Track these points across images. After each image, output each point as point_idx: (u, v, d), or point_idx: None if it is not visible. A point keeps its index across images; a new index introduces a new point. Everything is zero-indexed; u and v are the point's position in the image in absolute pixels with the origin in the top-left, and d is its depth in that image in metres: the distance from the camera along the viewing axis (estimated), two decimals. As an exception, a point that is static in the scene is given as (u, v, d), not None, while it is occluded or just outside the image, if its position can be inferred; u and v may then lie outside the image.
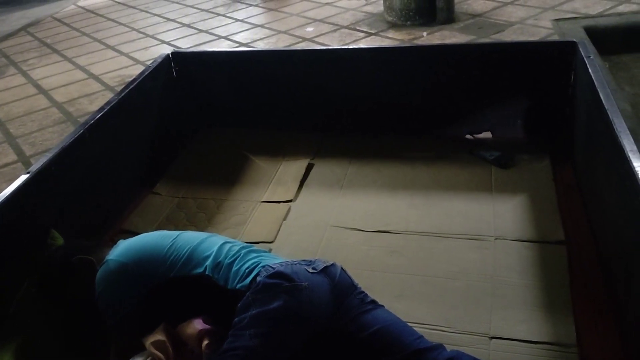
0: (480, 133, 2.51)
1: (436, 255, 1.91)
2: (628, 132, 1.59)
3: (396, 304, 1.69)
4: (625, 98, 3.15)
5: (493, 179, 2.23)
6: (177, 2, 6.40)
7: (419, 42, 4.51)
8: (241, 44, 4.74)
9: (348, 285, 1.56)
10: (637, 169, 1.42)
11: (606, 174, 1.72)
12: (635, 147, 1.51)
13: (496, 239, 1.93)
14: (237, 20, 5.43)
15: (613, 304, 1.59)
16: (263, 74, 2.68)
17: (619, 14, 4.33)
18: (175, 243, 1.56)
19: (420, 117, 2.58)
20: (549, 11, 4.63)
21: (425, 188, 2.25)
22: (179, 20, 5.68)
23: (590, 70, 1.93)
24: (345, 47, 3.65)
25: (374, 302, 1.55)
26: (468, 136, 2.52)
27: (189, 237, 1.60)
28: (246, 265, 1.51)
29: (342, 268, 1.59)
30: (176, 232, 1.63)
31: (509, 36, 4.35)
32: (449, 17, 4.81)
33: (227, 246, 1.58)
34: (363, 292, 1.58)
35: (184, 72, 2.69)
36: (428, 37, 4.60)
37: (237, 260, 1.53)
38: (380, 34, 4.78)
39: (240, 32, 5.03)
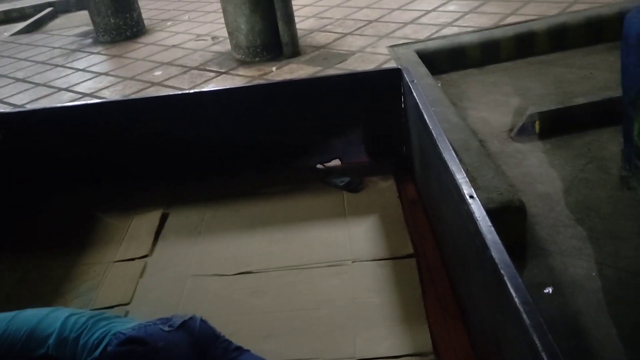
0: (329, 161, 2.61)
1: (299, 288, 1.93)
2: (450, 148, 1.74)
3: (264, 345, 1.69)
4: (456, 113, 3.46)
5: (345, 204, 2.32)
6: (8, 57, 5.97)
7: (269, 77, 4.62)
8: (84, 95, 4.52)
9: (209, 336, 1.53)
10: (459, 180, 1.55)
11: (439, 187, 1.86)
12: (457, 161, 1.66)
13: (353, 261, 2.00)
14: (77, 70, 5.19)
15: (460, 308, 1.71)
16: (106, 126, 2.56)
17: (444, 37, 4.78)
18: (10, 326, 1.43)
19: (272, 152, 2.62)
20: (384, 39, 4.98)
21: (284, 222, 2.28)
22: (11, 75, 5.29)
23: (415, 94, 2.10)
24: (191, 90, 3.61)
25: (238, 348, 1.53)
26: (319, 166, 2.61)
27: (27, 317, 1.47)
28: (95, 336, 1.42)
29: (201, 319, 1.55)
30: (11, 314, 1.49)
31: (351, 64, 4.61)
32: (294, 51, 5.00)
33: (73, 319, 1.48)
34: (227, 340, 1.55)
35: (12, 136, 2.48)
36: (277, 71, 4.72)
37: (84, 332, 1.43)
38: (231, 72, 4.83)
39: (82, 82, 4.81)
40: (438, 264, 1.92)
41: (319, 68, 4.65)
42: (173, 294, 1.95)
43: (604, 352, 2.01)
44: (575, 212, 2.74)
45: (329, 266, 2.00)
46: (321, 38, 5.35)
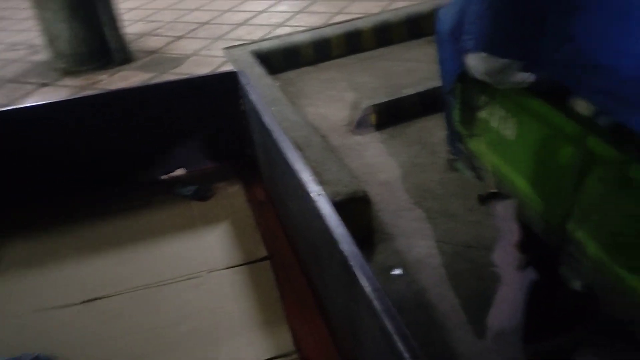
0: (174, 171, 2.52)
1: (155, 306, 1.84)
2: (292, 146, 1.78)
3: (122, 374, 1.60)
4: (296, 111, 3.55)
5: (195, 213, 2.26)
6: None
7: (101, 86, 4.35)
8: None
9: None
10: (304, 179, 1.59)
11: (285, 186, 1.90)
12: (300, 160, 1.69)
13: (209, 272, 1.96)
14: None
15: (318, 303, 1.76)
16: None
17: (278, 37, 4.88)
18: None
19: (110, 168, 2.45)
20: (218, 41, 4.95)
21: (131, 240, 2.15)
22: None
23: (251, 97, 2.11)
24: (8, 107, 3.26)
25: (92, 383, 1.42)
26: (163, 177, 2.51)
27: None
28: None
29: (47, 357, 1.42)
30: None
31: (188, 68, 4.51)
32: (125, 57, 4.76)
33: None
34: (79, 376, 1.43)
35: None
36: (109, 79, 4.47)
37: None
38: (56, 83, 4.46)
39: None
40: (293, 262, 1.95)
41: (154, 74, 4.49)
42: (12, 335, 1.75)
43: (450, 322, 2.22)
44: (414, 196, 2.98)
45: (184, 280, 1.94)
46: (153, 42, 5.16)
